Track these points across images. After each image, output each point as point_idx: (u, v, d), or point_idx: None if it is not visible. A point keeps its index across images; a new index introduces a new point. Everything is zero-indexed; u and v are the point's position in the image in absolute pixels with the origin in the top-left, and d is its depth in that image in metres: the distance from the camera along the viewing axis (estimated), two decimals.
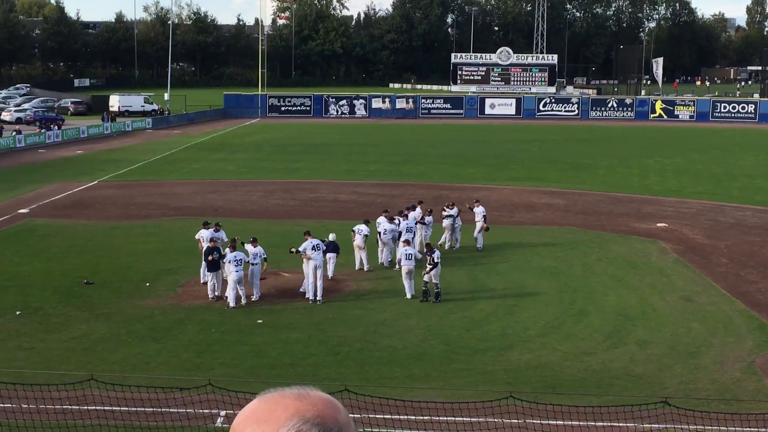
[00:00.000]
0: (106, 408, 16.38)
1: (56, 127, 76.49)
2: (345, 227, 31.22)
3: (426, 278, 25.67)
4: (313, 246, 25.84)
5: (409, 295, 25.99)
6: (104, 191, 45.93)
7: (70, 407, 16.25)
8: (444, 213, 32.58)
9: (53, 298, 25.55)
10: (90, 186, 47.65)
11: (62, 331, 22.61)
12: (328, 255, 27.12)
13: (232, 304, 24.81)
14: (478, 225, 32.67)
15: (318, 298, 25.49)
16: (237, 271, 24.77)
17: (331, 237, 27.97)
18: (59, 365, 19.47)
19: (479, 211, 32.80)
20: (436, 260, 25.71)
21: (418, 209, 31.90)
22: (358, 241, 28.91)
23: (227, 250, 25.47)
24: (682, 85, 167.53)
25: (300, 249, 25.90)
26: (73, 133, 74.88)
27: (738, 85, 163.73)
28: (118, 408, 16.41)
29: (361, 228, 29.17)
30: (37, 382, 16.90)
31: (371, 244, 29.84)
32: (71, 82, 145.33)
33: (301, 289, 26.15)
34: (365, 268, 29.02)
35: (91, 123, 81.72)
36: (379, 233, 29.80)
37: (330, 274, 27.34)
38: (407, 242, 27.40)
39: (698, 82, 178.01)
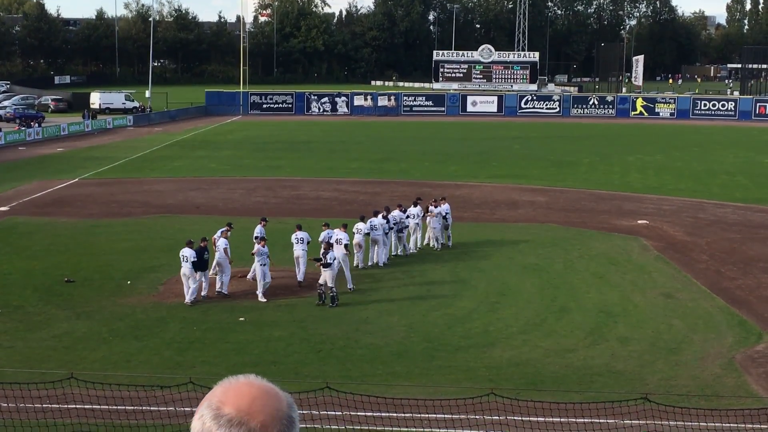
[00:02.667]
0: (86, 406, 16.30)
1: (37, 125, 76.02)
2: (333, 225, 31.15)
3: (321, 280, 25.05)
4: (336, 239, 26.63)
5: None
6: (85, 189, 45.71)
7: (50, 406, 16.18)
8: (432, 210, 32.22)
9: (34, 297, 25.41)
10: (71, 184, 47.42)
11: (43, 329, 22.50)
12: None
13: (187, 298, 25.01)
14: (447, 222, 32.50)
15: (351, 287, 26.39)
16: (184, 264, 24.90)
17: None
18: (40, 364, 19.37)
19: (441, 209, 32.27)
20: (329, 260, 25.08)
21: (419, 207, 31.86)
22: (357, 239, 28.71)
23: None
24: (661, 83, 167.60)
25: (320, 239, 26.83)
26: (54, 130, 74.47)
27: (729, 83, 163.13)
28: (99, 406, 16.34)
29: (359, 227, 28.97)
30: (17, 381, 16.80)
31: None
32: (52, 80, 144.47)
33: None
34: (360, 266, 28.97)
35: (71, 120, 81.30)
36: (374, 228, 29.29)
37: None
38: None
39: (670, 81, 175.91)
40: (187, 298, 24.74)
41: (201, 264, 25.20)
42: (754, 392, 18.72)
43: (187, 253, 24.85)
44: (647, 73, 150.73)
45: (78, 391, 16.27)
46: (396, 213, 30.79)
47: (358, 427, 15.72)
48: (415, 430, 15.91)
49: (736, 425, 16.17)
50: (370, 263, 29.43)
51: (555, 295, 26.36)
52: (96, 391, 16.33)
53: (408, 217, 31.24)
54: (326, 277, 24.91)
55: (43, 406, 16.17)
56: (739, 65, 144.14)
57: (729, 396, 18.19)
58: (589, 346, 21.73)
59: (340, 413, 15.33)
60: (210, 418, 2.19)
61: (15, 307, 24.35)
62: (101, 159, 57.98)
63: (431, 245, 32.34)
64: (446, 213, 32.34)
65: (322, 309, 24.65)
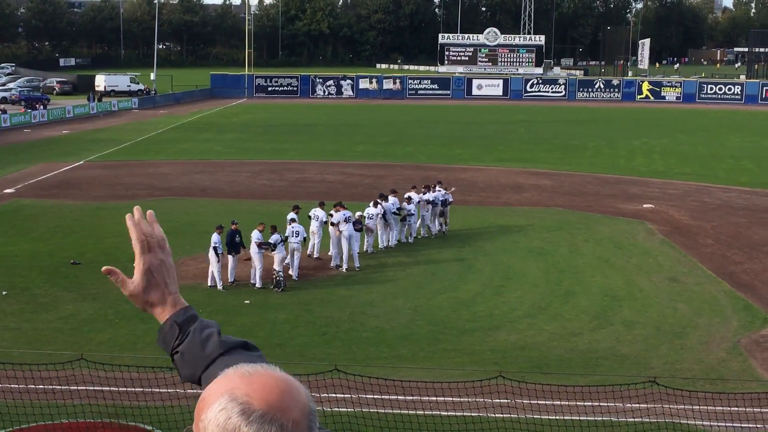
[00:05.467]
0: (96, 388, 16.38)
1: (42, 107, 76.10)
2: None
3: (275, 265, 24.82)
4: (346, 218, 26.73)
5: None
6: (90, 171, 45.74)
7: (59, 387, 16.24)
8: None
9: (40, 279, 25.48)
10: (76, 166, 47.44)
11: (49, 311, 22.57)
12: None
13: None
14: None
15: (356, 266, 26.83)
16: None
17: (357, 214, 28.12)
18: (46, 345, 19.44)
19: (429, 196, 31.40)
20: (274, 243, 24.85)
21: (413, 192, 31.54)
22: (369, 224, 28.73)
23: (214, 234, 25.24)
24: (666, 67, 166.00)
25: (333, 221, 26.86)
26: (59, 112, 74.48)
27: (737, 67, 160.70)
28: (108, 388, 16.40)
29: (370, 212, 28.91)
30: (24, 362, 16.87)
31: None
32: (56, 62, 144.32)
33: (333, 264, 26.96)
34: (369, 251, 28.91)
35: (76, 103, 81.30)
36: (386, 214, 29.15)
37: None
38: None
39: (657, 65, 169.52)
40: (210, 282, 24.89)
41: (233, 247, 25.18)
42: (759, 376, 18.76)
43: (212, 239, 24.85)
44: (653, 56, 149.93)
45: (87, 373, 16.34)
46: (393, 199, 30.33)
47: (367, 410, 15.77)
48: (422, 413, 15.95)
49: (743, 409, 16.19)
50: (382, 246, 29.43)
51: (560, 278, 26.38)
52: (106, 372, 16.40)
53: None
54: (275, 260, 24.84)
55: (53, 387, 16.24)
56: (746, 49, 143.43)
57: (734, 380, 18.23)
58: (594, 329, 21.76)
59: (349, 396, 15.38)
60: (237, 413, 1.98)
61: (21, 288, 24.43)
62: (106, 141, 57.98)
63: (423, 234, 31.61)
64: (438, 199, 31.57)
65: (329, 291, 24.72)
